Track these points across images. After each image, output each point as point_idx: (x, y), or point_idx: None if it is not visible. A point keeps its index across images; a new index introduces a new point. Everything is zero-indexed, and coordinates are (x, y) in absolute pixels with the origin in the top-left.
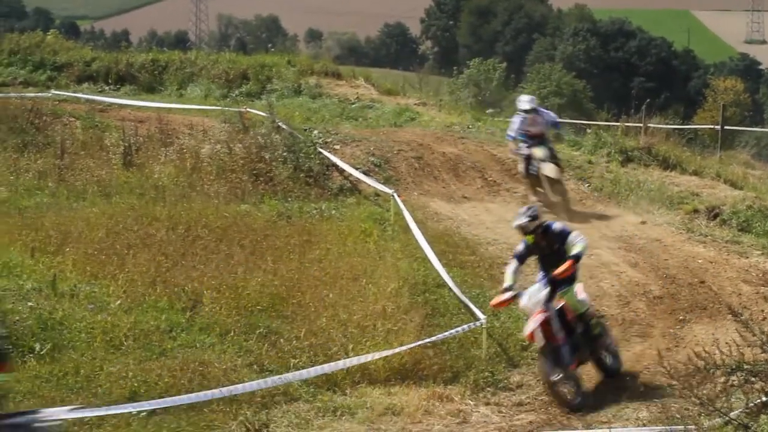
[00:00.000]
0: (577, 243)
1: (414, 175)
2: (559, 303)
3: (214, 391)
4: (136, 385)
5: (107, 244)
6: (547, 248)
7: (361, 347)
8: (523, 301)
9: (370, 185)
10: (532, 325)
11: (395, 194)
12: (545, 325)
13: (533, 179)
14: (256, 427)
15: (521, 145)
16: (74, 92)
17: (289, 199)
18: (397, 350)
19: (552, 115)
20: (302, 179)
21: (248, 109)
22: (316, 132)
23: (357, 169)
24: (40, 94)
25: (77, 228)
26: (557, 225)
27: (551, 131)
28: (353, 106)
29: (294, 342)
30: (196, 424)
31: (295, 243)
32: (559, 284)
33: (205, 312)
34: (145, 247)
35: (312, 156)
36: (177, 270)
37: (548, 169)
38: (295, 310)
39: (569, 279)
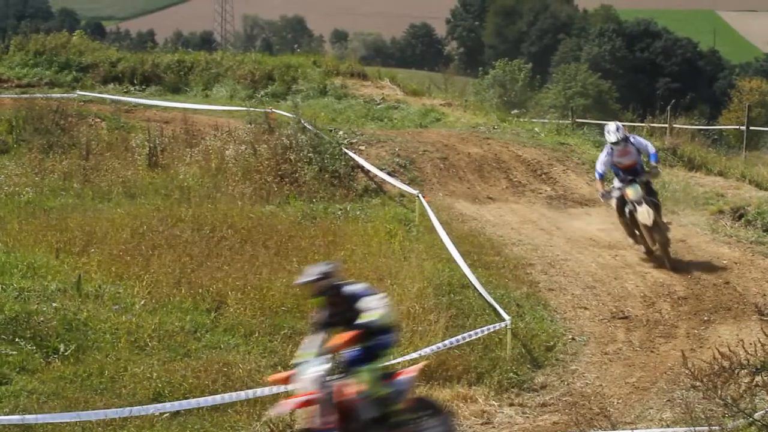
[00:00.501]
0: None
1: (439, 175)
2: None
3: (239, 393)
4: (160, 386)
5: (132, 245)
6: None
7: None
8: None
9: (395, 186)
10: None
11: (420, 195)
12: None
13: (628, 221)
14: (280, 428)
15: (613, 185)
16: (100, 93)
17: (314, 200)
18: (421, 352)
19: (646, 143)
20: (327, 180)
21: (273, 110)
22: (341, 133)
23: (382, 169)
24: (65, 95)
25: (102, 229)
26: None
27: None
28: (378, 106)
29: None
30: (220, 425)
31: (320, 244)
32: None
33: (229, 313)
34: (169, 248)
35: (337, 157)
36: (202, 271)
37: (643, 215)
38: None
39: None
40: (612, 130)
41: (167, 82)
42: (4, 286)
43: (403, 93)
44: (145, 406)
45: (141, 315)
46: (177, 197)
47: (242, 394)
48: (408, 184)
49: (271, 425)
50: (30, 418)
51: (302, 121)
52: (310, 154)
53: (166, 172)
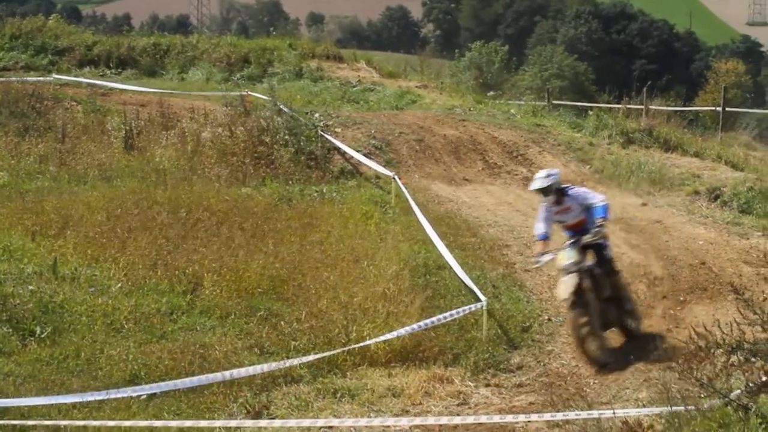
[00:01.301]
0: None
1: (415, 157)
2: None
3: (216, 374)
4: (136, 368)
5: (108, 228)
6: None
7: (362, 329)
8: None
9: (371, 168)
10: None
11: (396, 177)
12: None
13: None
14: (257, 409)
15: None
16: (76, 76)
17: (290, 182)
18: (396, 333)
19: (589, 194)
20: (303, 162)
21: (249, 93)
22: (317, 115)
23: (358, 151)
24: (41, 78)
25: (78, 212)
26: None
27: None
28: (354, 89)
29: (295, 324)
30: (196, 406)
31: (296, 226)
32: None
33: (205, 295)
34: (145, 231)
35: (313, 139)
36: (178, 253)
37: (559, 289)
38: (296, 292)
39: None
40: (538, 176)
41: (143, 66)
42: None
43: (379, 75)
44: (121, 389)
45: (117, 297)
46: (153, 180)
47: (219, 376)
48: (384, 166)
49: (247, 406)
50: (4, 402)
51: (278, 104)
52: (286, 137)
53: (142, 155)
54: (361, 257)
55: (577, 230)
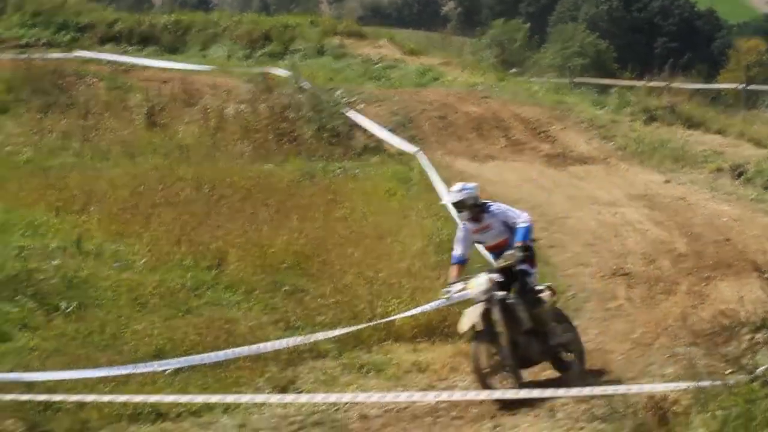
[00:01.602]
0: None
1: (438, 134)
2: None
3: (242, 348)
4: (162, 342)
5: (132, 204)
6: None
7: (387, 305)
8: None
9: (393, 145)
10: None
11: (419, 153)
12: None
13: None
14: (283, 384)
15: (460, 282)
16: (97, 53)
17: (313, 158)
18: (422, 309)
19: (513, 212)
20: (326, 139)
21: (271, 70)
22: (340, 92)
23: (381, 128)
24: (63, 55)
25: (101, 188)
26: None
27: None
28: (376, 66)
29: (320, 299)
30: (222, 381)
31: (319, 202)
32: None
33: (230, 270)
34: (169, 206)
35: (336, 115)
36: (202, 229)
37: (461, 321)
38: (321, 268)
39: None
40: (451, 189)
41: (165, 43)
42: (4, 245)
43: (401, 52)
44: (147, 363)
45: (142, 272)
46: (176, 156)
47: (245, 350)
48: (407, 143)
49: (273, 381)
50: (31, 377)
51: (300, 81)
52: (308, 113)
53: (164, 132)
54: (386, 233)
55: (500, 252)
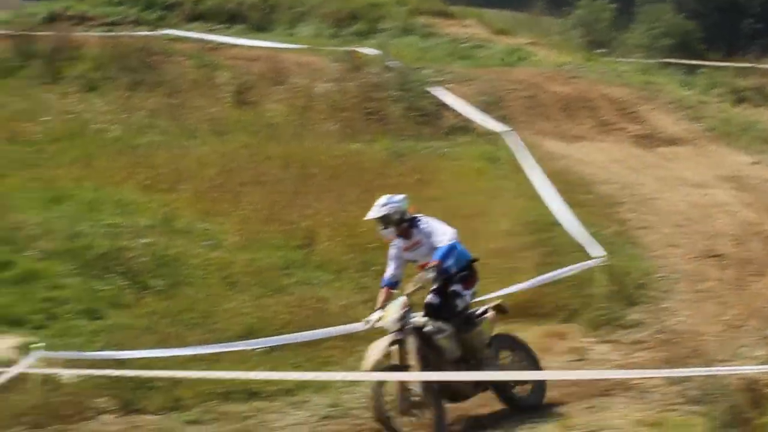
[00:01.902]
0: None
1: (526, 114)
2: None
3: (336, 328)
4: (252, 321)
5: (220, 182)
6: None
7: (481, 284)
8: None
9: (482, 124)
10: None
11: (509, 133)
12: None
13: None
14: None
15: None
16: (185, 31)
17: (401, 137)
18: (513, 289)
19: (437, 229)
20: (414, 118)
21: (359, 48)
22: (427, 71)
23: (469, 108)
24: (150, 33)
25: (189, 166)
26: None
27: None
28: (464, 45)
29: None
30: (314, 360)
31: (408, 182)
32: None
33: (320, 249)
34: (258, 185)
35: (424, 95)
36: (291, 208)
37: (366, 359)
38: None
39: None
40: (377, 203)
41: (252, 21)
42: (94, 223)
43: (489, 32)
44: (240, 341)
45: (232, 251)
46: (264, 135)
47: (337, 330)
48: (495, 123)
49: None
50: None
51: (388, 60)
52: (396, 92)
53: (253, 110)
54: (476, 213)
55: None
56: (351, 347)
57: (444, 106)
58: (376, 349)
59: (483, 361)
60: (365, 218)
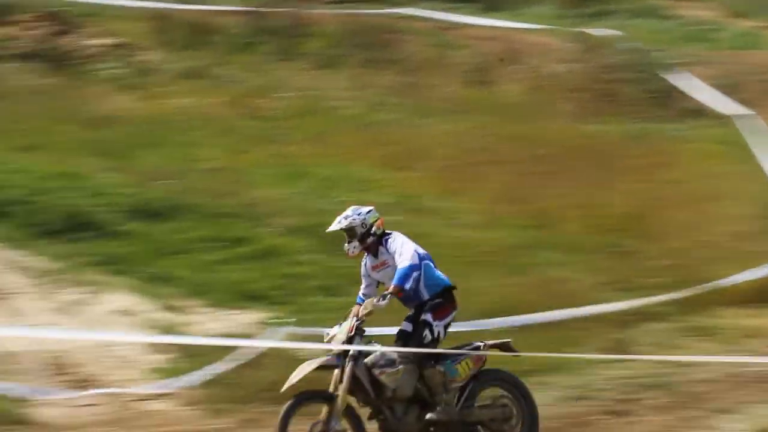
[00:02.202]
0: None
1: (765, 99)
2: None
3: (579, 309)
4: (495, 300)
5: (455, 162)
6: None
7: (718, 268)
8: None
9: (718, 108)
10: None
11: (748, 116)
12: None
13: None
14: (613, 346)
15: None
16: (420, 10)
17: (636, 120)
18: (757, 274)
19: (401, 249)
20: (648, 100)
21: (592, 30)
22: (661, 53)
23: (702, 91)
24: (385, 11)
25: (425, 145)
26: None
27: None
28: (699, 27)
29: (652, 261)
30: (559, 341)
31: (645, 164)
32: None
33: (560, 230)
34: (494, 165)
35: (658, 77)
36: (527, 188)
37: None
38: (651, 230)
39: None
40: (343, 214)
41: (484, 0)
42: (330, 200)
43: (725, 14)
44: (485, 320)
45: (473, 230)
46: (499, 115)
47: (581, 311)
48: (734, 106)
49: (606, 342)
50: None
51: (624, 41)
52: (630, 74)
53: (487, 90)
54: (712, 197)
55: (403, 298)
56: (592, 329)
57: (677, 88)
58: (300, 371)
59: (436, 403)
60: (327, 230)
